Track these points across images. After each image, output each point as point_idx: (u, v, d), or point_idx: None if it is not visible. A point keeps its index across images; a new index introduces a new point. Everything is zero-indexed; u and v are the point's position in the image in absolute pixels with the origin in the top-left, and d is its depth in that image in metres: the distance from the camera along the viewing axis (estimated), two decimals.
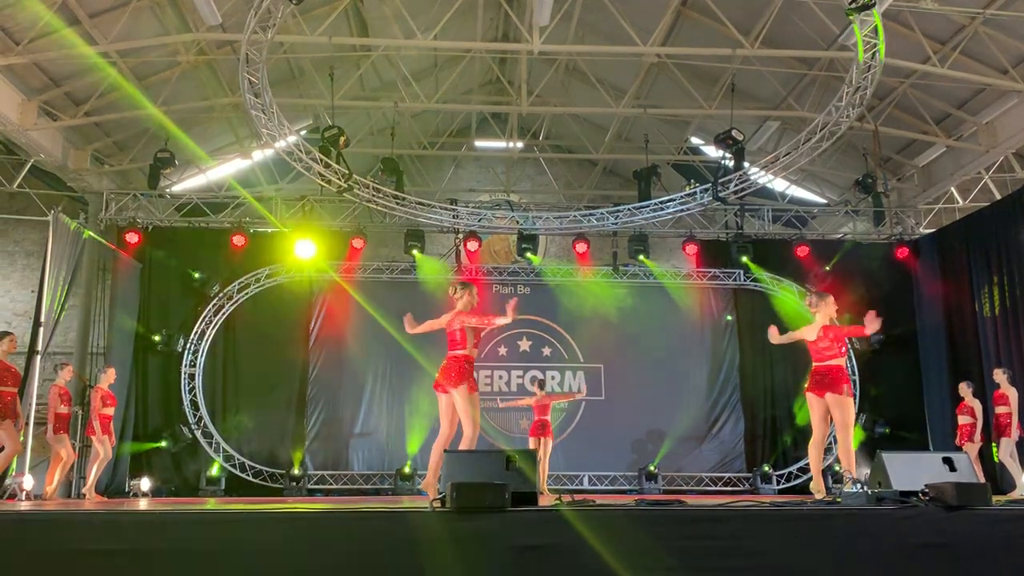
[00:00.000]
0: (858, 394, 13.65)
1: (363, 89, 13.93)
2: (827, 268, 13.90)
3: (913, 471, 4.27)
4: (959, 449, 9.96)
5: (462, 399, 6.48)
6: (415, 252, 13.80)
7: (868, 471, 4.73)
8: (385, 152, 13.79)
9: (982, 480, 5.21)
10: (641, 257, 13.95)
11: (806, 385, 6.98)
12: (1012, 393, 9.84)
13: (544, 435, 11.18)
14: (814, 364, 6.90)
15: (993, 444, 10.17)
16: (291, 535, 3.60)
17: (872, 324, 6.55)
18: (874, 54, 9.67)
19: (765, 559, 3.68)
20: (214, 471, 12.69)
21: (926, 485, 4.04)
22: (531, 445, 11.13)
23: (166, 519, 3.71)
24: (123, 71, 11.59)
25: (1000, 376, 10.02)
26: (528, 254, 13.88)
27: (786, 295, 14.08)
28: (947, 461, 4.41)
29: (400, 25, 11.26)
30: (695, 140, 15.31)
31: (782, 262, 14.11)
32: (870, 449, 12.60)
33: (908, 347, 13.94)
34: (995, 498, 4.37)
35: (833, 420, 6.81)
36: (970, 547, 3.76)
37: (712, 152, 14.50)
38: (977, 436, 10.31)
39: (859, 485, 4.26)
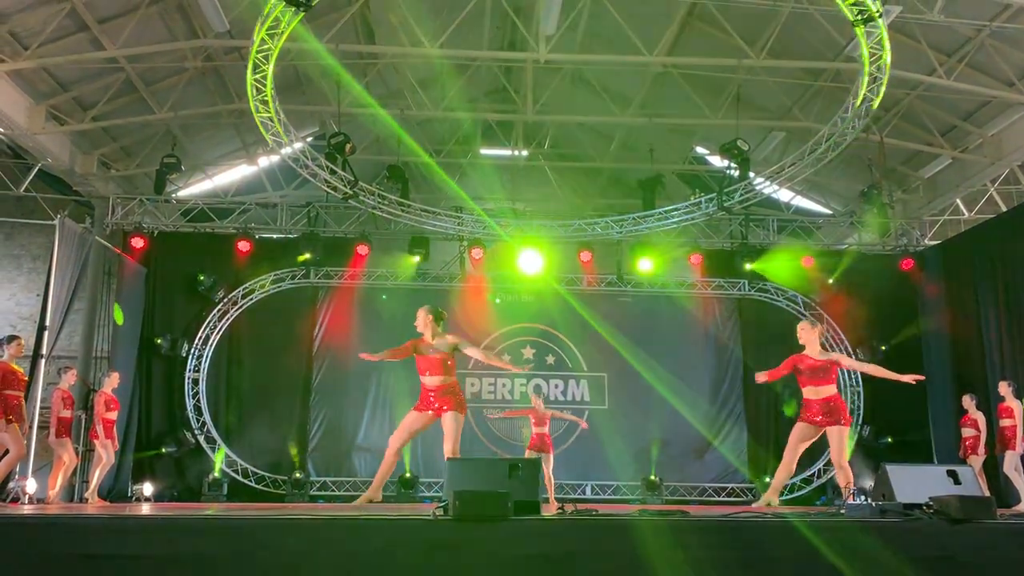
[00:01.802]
0: (861, 406, 13.65)
1: (369, 96, 13.95)
2: (831, 280, 13.87)
3: (917, 484, 4.25)
4: (963, 462, 9.92)
5: None
6: (418, 259, 13.81)
7: (872, 483, 4.71)
8: (391, 159, 13.81)
9: (987, 493, 5.19)
10: (638, 269, 13.94)
11: None
12: (1017, 406, 9.78)
13: (543, 450, 10.34)
14: None
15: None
16: (293, 541, 3.59)
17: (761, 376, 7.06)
18: (879, 66, 9.68)
19: (767, 570, 3.67)
20: (217, 476, 12.69)
21: (930, 498, 4.02)
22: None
23: (168, 524, 3.71)
24: (131, 77, 11.65)
25: (1005, 388, 9.96)
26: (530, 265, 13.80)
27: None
28: (951, 474, 4.39)
29: (406, 33, 11.30)
30: (700, 150, 15.32)
31: (787, 273, 14.07)
32: (874, 462, 12.56)
33: (912, 359, 13.80)
34: (999, 511, 4.35)
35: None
36: (974, 561, 3.74)
37: (717, 162, 14.51)
38: (981, 449, 10.27)
39: (863, 497, 4.25)
